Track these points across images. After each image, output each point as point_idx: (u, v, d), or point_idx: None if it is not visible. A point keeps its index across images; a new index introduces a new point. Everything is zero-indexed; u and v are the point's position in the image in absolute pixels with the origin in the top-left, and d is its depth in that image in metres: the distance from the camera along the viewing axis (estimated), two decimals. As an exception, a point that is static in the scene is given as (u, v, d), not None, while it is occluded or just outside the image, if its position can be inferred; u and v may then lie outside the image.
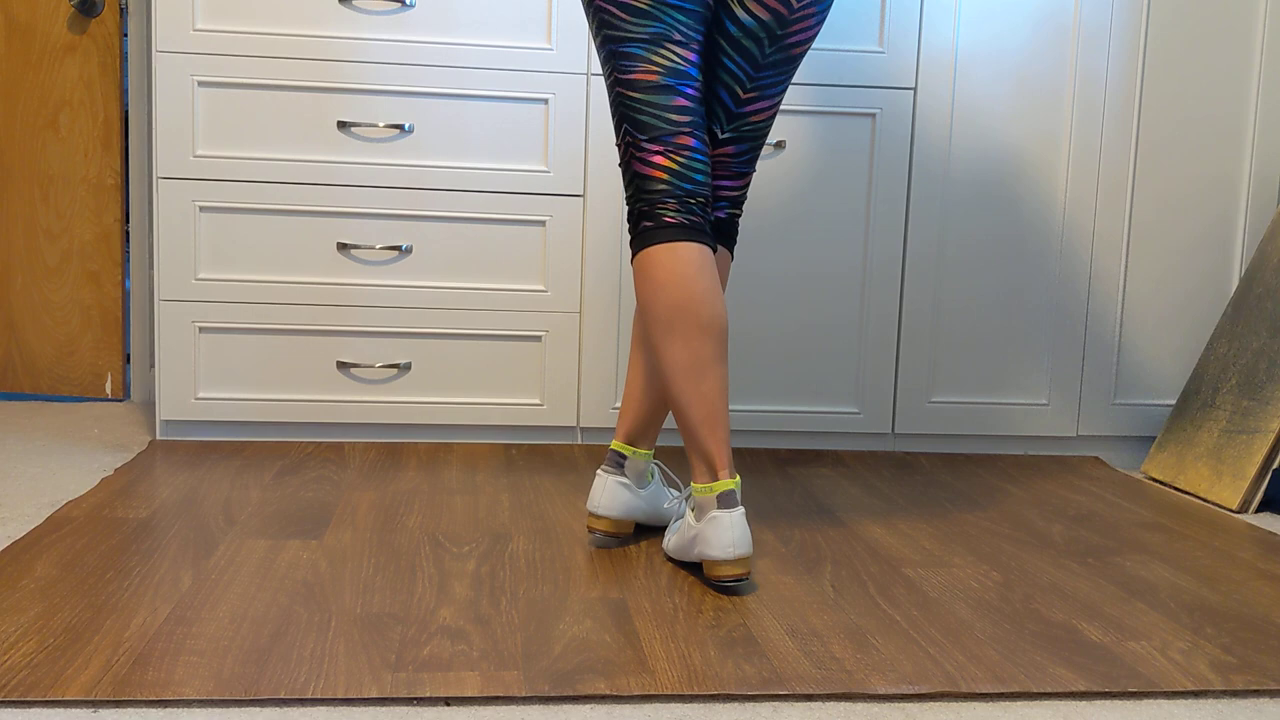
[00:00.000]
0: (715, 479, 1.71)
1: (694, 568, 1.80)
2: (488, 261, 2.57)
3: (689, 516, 1.76)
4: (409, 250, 2.55)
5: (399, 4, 2.49)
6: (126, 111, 3.01)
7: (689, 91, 1.75)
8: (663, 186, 1.74)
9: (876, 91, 2.60)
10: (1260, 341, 2.46)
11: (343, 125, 2.50)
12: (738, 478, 1.71)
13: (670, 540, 1.83)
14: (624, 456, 1.90)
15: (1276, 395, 2.34)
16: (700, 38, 1.76)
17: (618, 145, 1.80)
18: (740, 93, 1.83)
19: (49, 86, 2.96)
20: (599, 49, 1.78)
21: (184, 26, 2.45)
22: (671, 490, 2.01)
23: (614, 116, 1.79)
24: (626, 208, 1.82)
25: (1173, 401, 2.77)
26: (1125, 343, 2.74)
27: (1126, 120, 2.67)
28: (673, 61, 1.74)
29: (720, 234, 1.92)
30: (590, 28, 1.80)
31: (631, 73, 1.74)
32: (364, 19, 2.49)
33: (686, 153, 1.75)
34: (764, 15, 1.76)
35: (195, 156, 2.49)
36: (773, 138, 2.59)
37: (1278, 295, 2.48)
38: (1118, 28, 2.64)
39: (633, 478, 1.91)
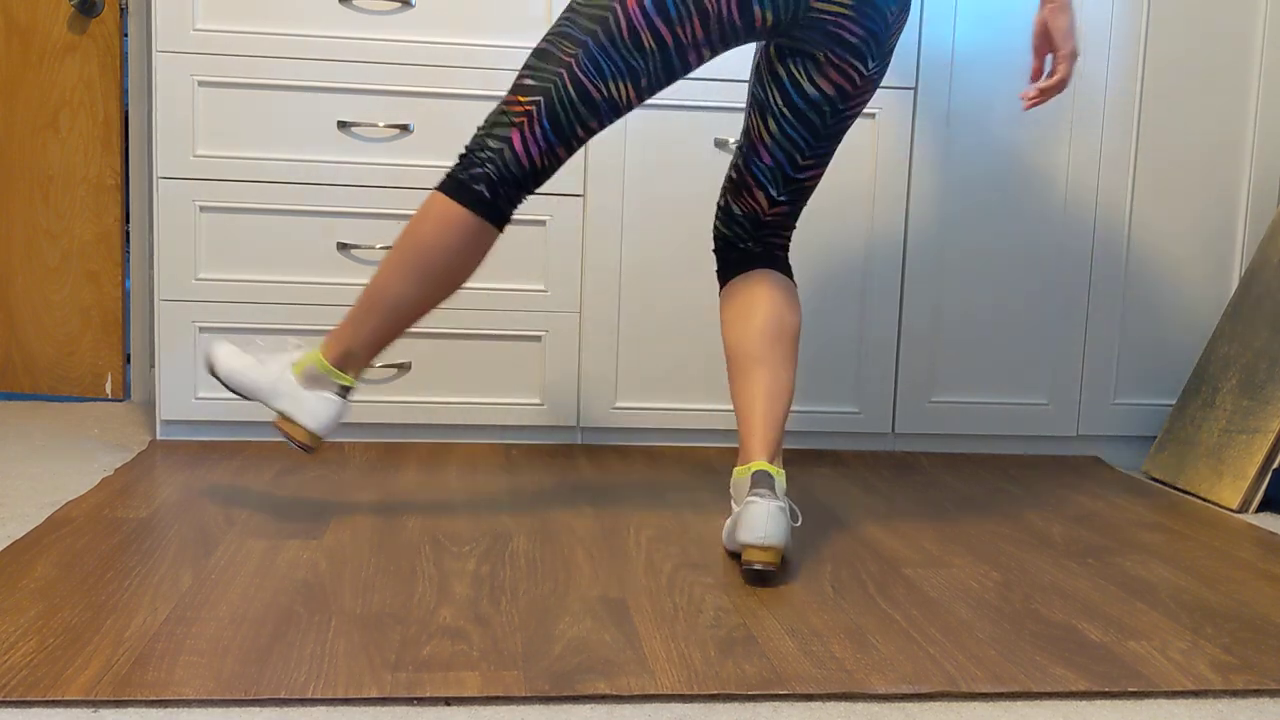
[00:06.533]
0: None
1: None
2: (488, 261, 2.57)
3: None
4: (409, 250, 2.55)
5: (400, 4, 2.49)
6: (126, 111, 3.01)
7: (608, 123, 1.79)
8: (514, 172, 1.77)
9: (877, 91, 2.60)
10: (1260, 341, 2.47)
11: (343, 125, 2.50)
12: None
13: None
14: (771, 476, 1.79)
15: (1277, 395, 2.34)
16: (653, 94, 1.78)
17: (509, 103, 1.77)
18: (799, 160, 1.88)
19: (49, 86, 2.96)
20: (575, 25, 1.74)
21: (184, 26, 2.45)
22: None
23: (528, 78, 1.76)
24: (469, 150, 1.79)
25: (1173, 401, 2.77)
26: (1125, 343, 2.74)
27: (1126, 120, 2.67)
28: (620, 97, 1.75)
29: (786, 270, 1.98)
30: (582, 3, 1.75)
31: (587, 78, 1.73)
32: (364, 19, 2.49)
33: (557, 164, 1.80)
34: (829, 90, 1.81)
35: (195, 156, 2.49)
36: (773, 138, 2.59)
37: (1278, 295, 2.48)
38: (1118, 28, 2.64)
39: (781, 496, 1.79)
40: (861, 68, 1.78)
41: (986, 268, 2.68)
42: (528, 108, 1.75)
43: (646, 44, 1.72)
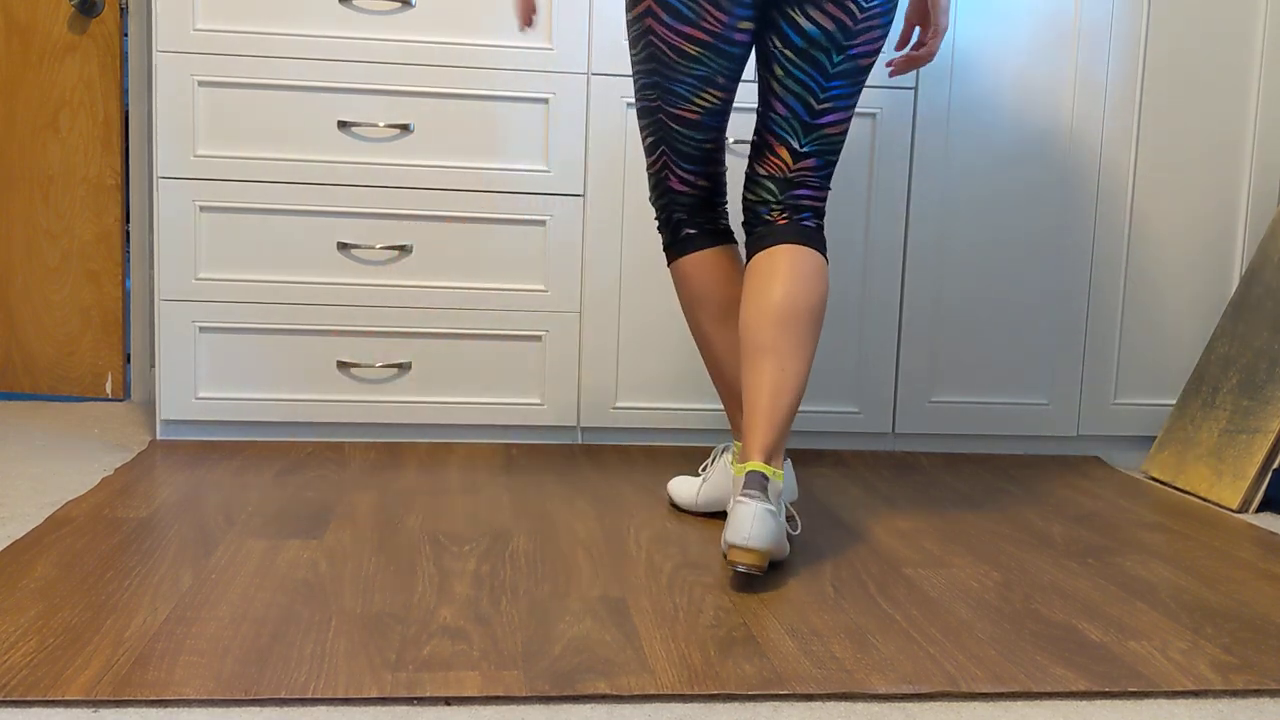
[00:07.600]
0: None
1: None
2: (488, 261, 2.57)
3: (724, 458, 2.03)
4: (409, 250, 2.55)
5: (400, 3, 2.49)
6: (126, 111, 3.01)
7: (721, 125, 1.94)
8: (691, 201, 1.97)
9: (876, 91, 2.60)
10: (1260, 341, 2.47)
11: (343, 125, 2.50)
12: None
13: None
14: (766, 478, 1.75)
15: (1277, 395, 2.34)
16: (736, 80, 1.90)
17: (651, 163, 1.97)
18: (814, 103, 1.86)
19: (49, 86, 2.97)
20: (641, 71, 1.90)
21: (184, 26, 2.45)
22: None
23: (647, 135, 1.96)
24: (659, 217, 2.01)
25: (1173, 401, 2.77)
26: (1125, 343, 2.74)
27: (1126, 121, 2.67)
28: (711, 103, 1.89)
29: (814, 243, 1.90)
30: (634, 51, 1.90)
31: (677, 108, 1.89)
32: (365, 19, 2.49)
33: (717, 176, 1.99)
34: (828, 24, 1.80)
35: (196, 156, 2.49)
36: (773, 138, 2.59)
37: (1278, 295, 2.48)
38: (1118, 28, 2.64)
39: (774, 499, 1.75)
40: None
41: (986, 268, 2.68)
42: (661, 158, 1.96)
43: (693, 51, 1.83)
